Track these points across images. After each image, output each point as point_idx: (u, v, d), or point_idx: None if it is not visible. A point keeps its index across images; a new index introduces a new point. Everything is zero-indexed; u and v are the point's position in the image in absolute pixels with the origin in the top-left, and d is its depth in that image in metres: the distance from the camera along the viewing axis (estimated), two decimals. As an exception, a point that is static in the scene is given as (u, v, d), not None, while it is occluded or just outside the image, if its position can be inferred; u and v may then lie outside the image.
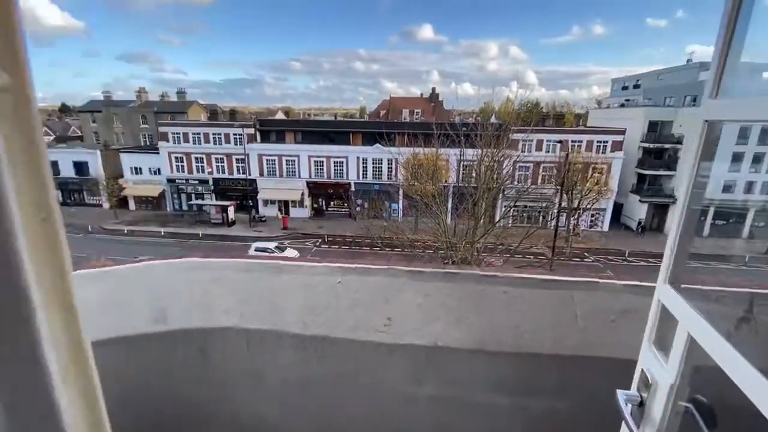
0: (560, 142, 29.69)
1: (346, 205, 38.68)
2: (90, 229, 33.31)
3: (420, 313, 2.21)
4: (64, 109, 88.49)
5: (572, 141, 33.32)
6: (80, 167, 39.07)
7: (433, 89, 60.39)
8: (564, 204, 25.30)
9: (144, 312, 2.24)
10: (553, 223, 21.52)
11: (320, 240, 32.34)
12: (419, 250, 17.11)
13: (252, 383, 2.39)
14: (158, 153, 37.83)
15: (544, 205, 27.47)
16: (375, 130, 35.78)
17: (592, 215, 34.95)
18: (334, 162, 36.97)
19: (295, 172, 37.37)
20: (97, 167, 38.50)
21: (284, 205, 37.83)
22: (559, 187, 24.59)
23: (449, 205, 22.26)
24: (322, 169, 37.26)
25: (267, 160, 37.19)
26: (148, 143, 45.63)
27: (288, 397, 2.41)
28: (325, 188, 37.85)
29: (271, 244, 27.01)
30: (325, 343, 2.24)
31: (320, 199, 38.83)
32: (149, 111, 47.91)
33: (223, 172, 37.99)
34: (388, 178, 36.21)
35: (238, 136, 37.00)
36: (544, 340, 2.15)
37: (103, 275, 2.26)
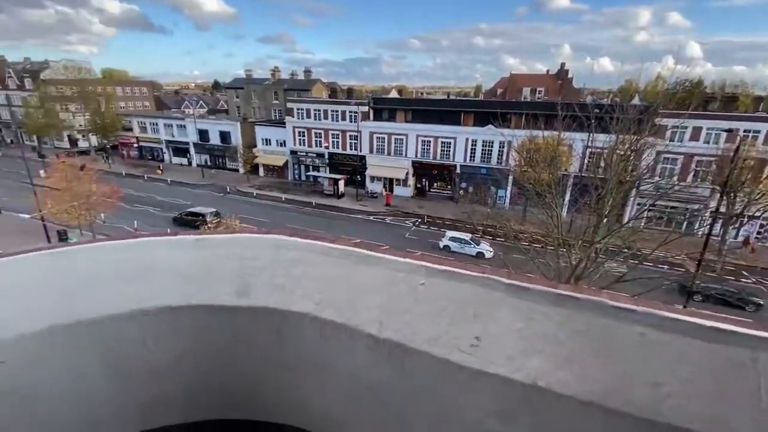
0: (729, 130, 23.63)
1: (449, 187, 37.80)
2: (228, 190, 39.18)
3: (518, 339, 1.72)
4: (216, 86, 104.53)
5: (745, 131, 26.35)
6: (224, 136, 45.80)
7: (562, 65, 53.97)
8: (722, 208, 20.32)
9: (228, 284, 2.20)
10: (704, 230, 17.51)
11: (419, 220, 32.37)
12: (525, 243, 15.65)
13: (322, 376, 2.22)
14: (285, 127, 42.01)
15: (695, 207, 22.57)
16: (489, 110, 33.66)
17: (761, 226, 27.66)
18: (442, 142, 36.13)
19: (402, 150, 37.71)
20: (237, 137, 44.64)
21: (389, 183, 38.72)
22: (719, 188, 19.80)
23: (566, 198, 19.82)
24: (429, 149, 36.81)
25: (377, 137, 38.24)
26: (277, 117, 51.00)
27: (357, 399, 2.17)
28: (430, 168, 37.43)
29: (466, 235, 24.21)
30: (398, 350, 1.91)
31: (424, 179, 38.66)
32: (280, 88, 53.26)
33: (338, 147, 40.41)
34: (497, 162, 34.04)
35: (353, 114, 38.70)
36: (700, 415, 1.47)
37: (197, 243, 2.27)
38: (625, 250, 14.27)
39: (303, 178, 42.79)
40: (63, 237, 25.63)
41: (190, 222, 28.41)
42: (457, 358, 1.78)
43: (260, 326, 2.17)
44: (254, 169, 44.11)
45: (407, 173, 37.65)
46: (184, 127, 47.73)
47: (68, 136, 56.90)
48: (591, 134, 14.72)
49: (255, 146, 44.04)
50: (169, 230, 2.14)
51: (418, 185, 38.97)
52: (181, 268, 2.19)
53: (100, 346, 2.09)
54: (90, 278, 2.08)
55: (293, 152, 42.45)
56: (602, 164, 16.97)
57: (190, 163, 48.50)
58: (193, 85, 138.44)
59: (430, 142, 36.49)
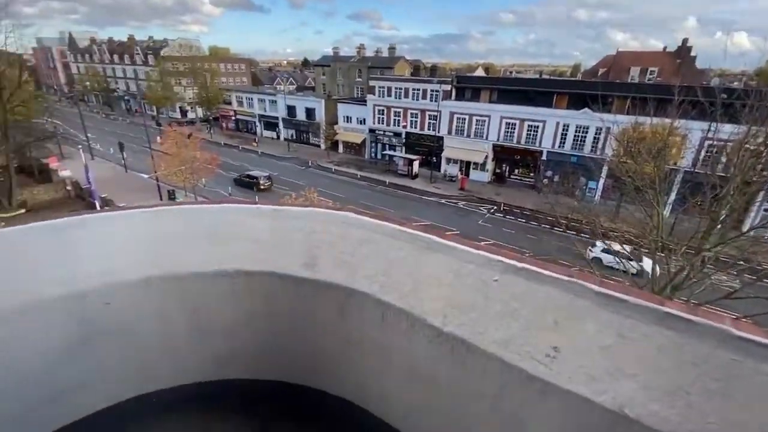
0: None
1: (531, 174, 35.38)
2: (309, 164, 41.38)
3: (605, 358, 1.50)
4: (305, 64, 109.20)
5: None
6: (309, 112, 48.05)
7: (684, 42, 46.20)
8: None
9: (298, 255, 2.25)
10: None
11: (495, 207, 30.97)
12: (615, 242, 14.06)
13: (382, 358, 2.20)
14: (365, 104, 42.64)
15: None
16: (587, 91, 30.37)
17: None
18: (528, 125, 33.68)
19: (483, 132, 36.02)
20: (320, 113, 46.56)
21: (465, 166, 37.46)
22: None
23: (671, 196, 17.25)
24: (513, 133, 34.61)
25: (457, 117, 36.95)
26: (360, 95, 51.90)
27: (415, 389, 2.12)
28: (512, 153, 35.30)
29: (626, 248, 16.50)
30: (462, 347, 1.79)
31: (504, 165, 36.66)
32: (364, 66, 53.86)
33: (415, 127, 39.99)
34: (591, 150, 30.83)
35: (434, 93, 37.75)
36: None
37: (275, 213, 2.33)
38: (741, 263, 12.08)
39: (379, 156, 43.38)
40: (171, 196, 29.51)
41: (246, 183, 31.35)
42: (529, 367, 1.60)
43: (324, 299, 2.21)
44: (334, 145, 45.83)
45: (486, 157, 36.00)
46: (275, 102, 51.08)
47: (180, 107, 64.46)
48: (714, 124, 12.43)
49: (336, 123, 45.56)
50: (254, 199, 2.30)
51: (497, 170, 37.11)
52: (258, 236, 2.30)
53: (186, 300, 2.28)
54: (183, 237, 2.27)
55: (371, 130, 43.07)
56: (724, 160, 14.31)
57: (278, 137, 52.06)
58: (285, 62, 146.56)
59: (515, 124, 34.25)
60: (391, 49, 58.62)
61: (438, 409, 1.99)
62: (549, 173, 33.62)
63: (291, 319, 2.29)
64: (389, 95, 40.74)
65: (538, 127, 33.29)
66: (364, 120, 43.33)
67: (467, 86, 38.11)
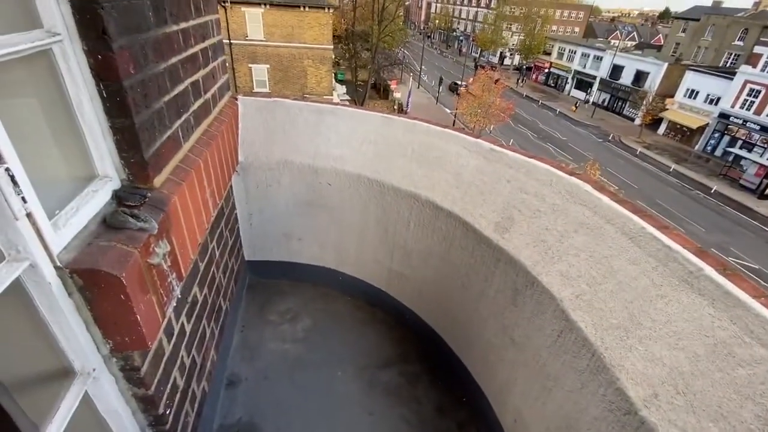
0: None
1: None
2: (610, 138, 35.08)
3: None
4: (664, 15, 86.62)
5: None
6: (639, 77, 39.21)
7: None
8: None
9: (494, 210, 1.94)
10: None
11: None
12: None
13: (527, 370, 1.74)
14: (731, 78, 30.63)
15: None
16: None
17: None
18: None
19: None
20: (654, 80, 37.19)
21: None
22: None
23: None
24: None
25: None
26: (728, 65, 37.65)
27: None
28: None
29: None
30: None
31: None
32: (757, 24, 37.44)
33: (811, 126, 26.00)
34: None
35: None
36: None
37: (490, 154, 2.06)
38: None
39: (717, 153, 31.61)
40: (460, 134, 32.34)
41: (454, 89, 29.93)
42: None
43: (501, 273, 1.82)
44: (654, 123, 36.44)
45: None
46: (600, 59, 44.29)
47: (500, 52, 66.40)
48: None
49: (672, 96, 35.47)
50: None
51: None
52: (462, 173, 2.08)
53: (383, 205, 2.46)
54: (400, 148, 2.30)
55: (724, 116, 31.19)
56: None
57: (587, 101, 46.08)
58: (636, 12, 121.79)
59: None
60: (830, -2, 37.68)
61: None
62: None
63: (460, 273, 2.09)
64: (784, 70, 27.45)
65: None
66: (717, 100, 31.67)
67: None
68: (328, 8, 20.21)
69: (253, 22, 19.48)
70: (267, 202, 2.59)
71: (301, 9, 19.44)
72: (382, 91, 43.35)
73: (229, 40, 19.77)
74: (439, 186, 2.08)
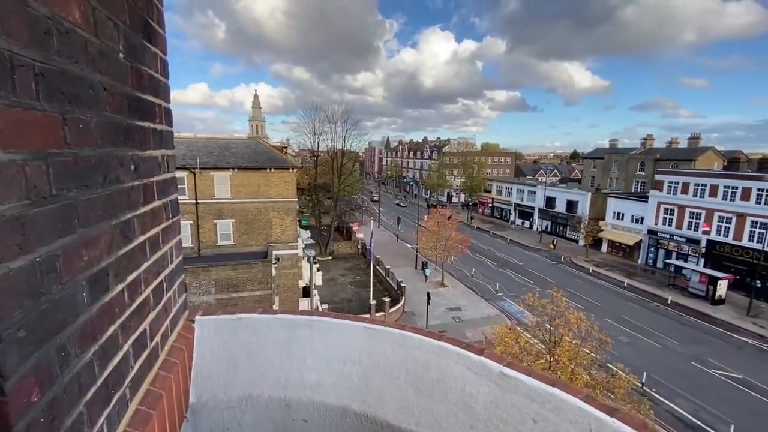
0: None
1: None
2: (562, 260, 37.44)
3: None
4: (574, 156, 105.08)
5: None
6: (570, 205, 44.64)
7: None
8: None
9: None
10: None
11: None
12: None
13: None
14: (646, 201, 35.64)
15: None
16: None
17: None
18: None
19: None
20: (584, 207, 42.35)
21: (828, 305, 23.86)
22: None
23: None
24: None
25: (812, 230, 24.82)
26: (638, 190, 44.32)
27: None
28: None
29: None
30: None
31: None
32: (649, 158, 46.08)
33: (725, 235, 29.60)
34: None
35: (765, 193, 27.31)
36: None
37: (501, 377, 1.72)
38: None
39: (659, 265, 34.31)
40: (424, 267, 33.15)
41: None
42: None
43: None
44: (596, 243, 39.98)
45: None
46: (534, 192, 50.75)
47: (447, 193, 74.60)
48: None
49: (603, 219, 40.02)
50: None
51: None
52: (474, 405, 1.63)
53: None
54: (391, 370, 1.82)
55: (652, 232, 35.07)
56: None
57: (531, 227, 50.72)
58: (551, 155, 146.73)
59: None
60: (694, 138, 48.00)
61: None
62: None
63: None
64: (684, 192, 32.58)
65: None
66: (641, 219, 36.04)
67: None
68: (292, 168, 22.48)
69: (221, 184, 20.95)
70: None
71: (268, 170, 21.43)
72: (345, 233, 45.40)
73: (196, 200, 20.75)
74: (448, 425, 1.69)
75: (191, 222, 20.96)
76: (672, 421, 15.20)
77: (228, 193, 21.16)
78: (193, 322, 1.95)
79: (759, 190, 27.74)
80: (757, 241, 27.29)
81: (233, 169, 21.09)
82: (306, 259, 19.49)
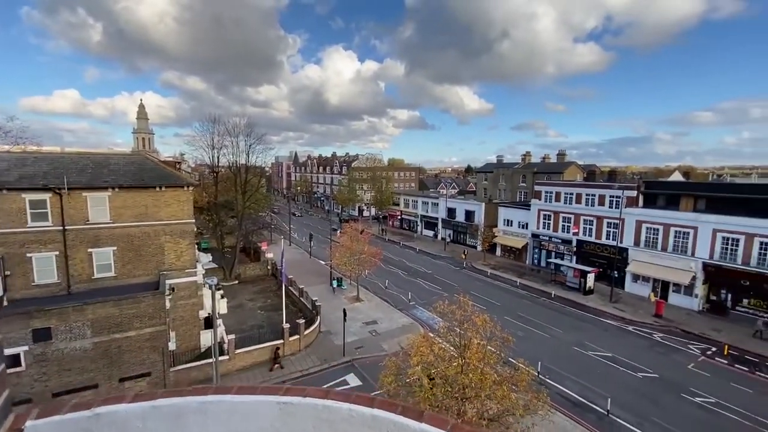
0: None
1: (775, 309, 25.39)
2: (464, 265, 40.52)
3: None
4: (468, 170, 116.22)
5: None
6: (468, 215, 48.84)
7: None
8: None
9: None
10: None
11: (715, 349, 22.70)
12: None
13: None
14: (529, 209, 40.79)
15: None
16: None
17: None
18: (763, 243, 25.36)
19: (686, 247, 28.86)
20: (480, 216, 46.69)
21: (660, 286, 29.96)
22: None
23: None
24: (735, 250, 26.53)
25: (648, 228, 31.06)
26: (522, 200, 50.52)
27: None
28: (735, 276, 26.59)
29: None
30: None
31: (723, 290, 27.70)
32: (529, 171, 53.16)
33: (590, 235, 35.35)
34: None
35: (615, 199, 33.40)
36: None
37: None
38: None
39: (543, 264, 39.36)
40: (339, 283, 32.72)
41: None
42: None
43: None
44: (492, 248, 44.29)
45: (693, 277, 28.14)
46: (437, 204, 54.35)
47: (358, 207, 75.59)
48: None
49: (496, 226, 44.58)
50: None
51: (713, 297, 28.22)
52: None
53: None
54: None
55: (535, 235, 40.18)
56: None
57: (436, 236, 54.05)
58: (449, 169, 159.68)
59: (737, 240, 26.38)
60: (561, 154, 56.79)
61: None
62: (809, 311, 23.43)
63: None
64: (557, 200, 38.10)
65: (779, 244, 24.68)
66: (527, 224, 41.09)
67: (658, 192, 32.45)
68: (188, 186, 20.26)
69: (97, 206, 17.88)
70: None
71: (157, 189, 18.98)
72: (253, 254, 42.57)
73: (63, 226, 17.35)
74: None
75: (56, 253, 17.44)
76: (563, 402, 17.27)
77: (107, 217, 18.16)
78: (22, 430, 1.34)
79: (610, 196, 33.84)
80: (612, 239, 33.15)
81: (113, 188, 18.22)
82: (207, 286, 17.65)
